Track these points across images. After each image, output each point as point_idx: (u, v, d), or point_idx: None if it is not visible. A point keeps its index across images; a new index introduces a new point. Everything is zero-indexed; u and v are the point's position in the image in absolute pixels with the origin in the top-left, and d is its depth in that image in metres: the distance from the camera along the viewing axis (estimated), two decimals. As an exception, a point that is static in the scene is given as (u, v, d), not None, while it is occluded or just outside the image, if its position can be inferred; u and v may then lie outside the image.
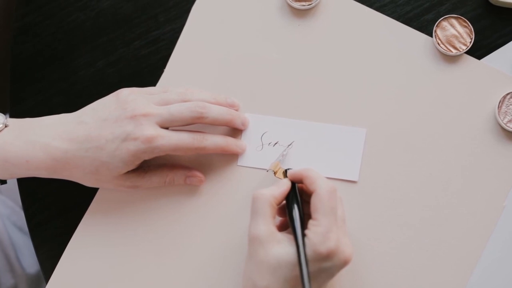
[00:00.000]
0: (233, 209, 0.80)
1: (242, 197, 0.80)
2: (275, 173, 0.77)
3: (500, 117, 0.79)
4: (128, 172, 0.77)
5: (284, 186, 0.73)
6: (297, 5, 0.82)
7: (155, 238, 0.80)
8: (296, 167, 0.75)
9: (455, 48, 0.81)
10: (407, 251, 0.79)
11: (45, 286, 0.81)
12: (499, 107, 0.79)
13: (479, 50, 0.81)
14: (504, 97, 0.80)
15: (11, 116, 0.83)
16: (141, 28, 0.85)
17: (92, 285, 0.80)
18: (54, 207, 0.83)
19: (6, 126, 0.77)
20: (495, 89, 0.80)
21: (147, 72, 0.84)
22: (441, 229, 0.79)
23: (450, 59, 0.81)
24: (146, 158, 0.76)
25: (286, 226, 0.75)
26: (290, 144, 0.80)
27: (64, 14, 0.86)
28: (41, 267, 0.82)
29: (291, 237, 0.71)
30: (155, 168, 0.79)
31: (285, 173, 0.76)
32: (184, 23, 0.84)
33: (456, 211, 0.79)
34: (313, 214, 0.71)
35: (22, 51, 0.85)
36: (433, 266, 0.78)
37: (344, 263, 0.70)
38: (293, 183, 0.74)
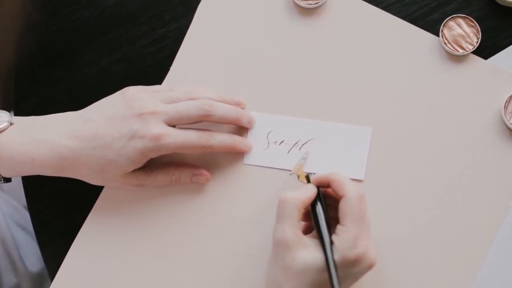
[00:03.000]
0: (240, 207, 0.80)
1: (248, 196, 0.80)
2: (298, 176, 0.77)
3: (506, 117, 0.79)
4: (135, 170, 0.77)
5: (311, 191, 0.73)
6: (303, 3, 0.82)
7: (160, 237, 0.80)
8: (320, 172, 0.75)
9: (462, 47, 0.81)
10: (412, 250, 0.79)
11: (49, 285, 0.80)
12: (505, 107, 0.80)
13: (485, 50, 0.81)
14: (511, 97, 0.80)
15: (15, 115, 0.83)
16: (146, 26, 0.84)
17: (97, 283, 0.80)
18: (59, 206, 0.82)
19: (11, 124, 0.77)
20: (501, 89, 0.80)
21: (152, 70, 0.84)
22: (446, 228, 0.79)
23: (457, 58, 0.81)
24: (153, 156, 0.76)
25: (311, 229, 0.74)
26: (303, 145, 0.80)
27: (68, 11, 0.85)
28: (46, 265, 0.81)
29: (317, 241, 0.70)
30: (161, 166, 0.79)
31: (307, 177, 0.76)
32: (190, 21, 0.84)
33: (461, 210, 0.79)
34: (342, 220, 0.70)
35: (26, 49, 0.84)
36: (438, 265, 0.78)
37: (369, 268, 0.70)
38: (318, 188, 0.73)
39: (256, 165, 0.80)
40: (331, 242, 0.69)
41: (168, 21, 0.84)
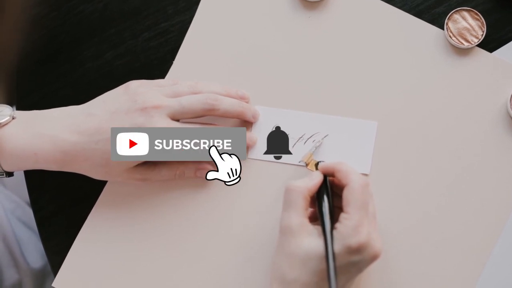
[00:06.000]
0: (243, 201, 0.79)
1: (253, 190, 0.79)
2: (307, 164, 0.77)
3: (512, 110, 0.79)
4: (138, 165, 0.76)
5: (317, 178, 0.73)
6: (307, -3, 0.82)
7: (163, 232, 0.80)
8: (328, 160, 0.75)
9: (467, 41, 0.80)
10: (416, 245, 0.78)
11: (51, 281, 0.80)
12: (511, 100, 0.79)
13: (490, 43, 0.81)
14: (516, 90, 0.79)
15: (18, 109, 0.82)
16: (149, 20, 0.84)
17: (100, 278, 0.79)
18: (62, 201, 0.82)
19: (13, 118, 0.76)
20: (507, 82, 0.80)
21: (155, 65, 0.83)
22: (451, 224, 0.78)
23: (462, 52, 0.81)
24: (157, 150, 0.76)
25: (317, 217, 0.74)
26: (308, 139, 0.80)
27: (71, 5, 0.85)
28: (48, 261, 0.81)
29: (321, 229, 0.70)
30: (165, 161, 0.78)
31: (316, 165, 0.76)
32: (193, 14, 0.83)
33: (466, 205, 0.79)
34: (345, 208, 0.70)
35: (29, 43, 0.84)
36: (443, 261, 0.78)
37: (374, 258, 0.70)
38: (324, 176, 0.74)
39: (260, 159, 0.80)
40: (333, 229, 0.69)
41: (171, 15, 0.84)
